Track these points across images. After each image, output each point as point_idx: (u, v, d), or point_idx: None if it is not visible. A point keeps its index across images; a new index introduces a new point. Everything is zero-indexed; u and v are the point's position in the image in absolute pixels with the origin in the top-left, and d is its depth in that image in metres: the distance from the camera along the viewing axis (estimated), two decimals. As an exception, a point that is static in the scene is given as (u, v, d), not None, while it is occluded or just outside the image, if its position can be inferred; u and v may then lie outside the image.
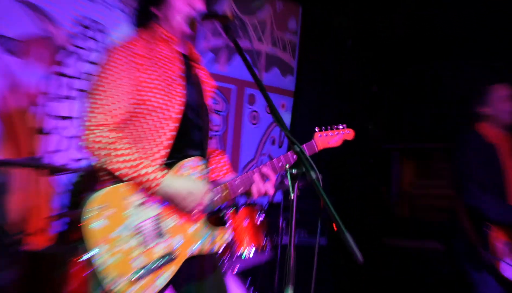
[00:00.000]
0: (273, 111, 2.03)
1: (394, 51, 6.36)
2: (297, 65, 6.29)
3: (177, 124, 2.38)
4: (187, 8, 2.49)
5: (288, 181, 1.84)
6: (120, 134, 2.29)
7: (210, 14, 2.47)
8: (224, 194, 2.47)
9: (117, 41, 2.41)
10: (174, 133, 2.37)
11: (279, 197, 5.19)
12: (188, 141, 2.44)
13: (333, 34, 6.45)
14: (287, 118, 6.14)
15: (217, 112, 5.49)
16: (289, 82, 6.21)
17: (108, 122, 2.28)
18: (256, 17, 5.82)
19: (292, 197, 1.85)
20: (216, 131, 5.48)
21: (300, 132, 5.89)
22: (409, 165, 6.49)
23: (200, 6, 2.51)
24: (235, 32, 2.27)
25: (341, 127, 2.82)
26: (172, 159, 2.38)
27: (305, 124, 6.06)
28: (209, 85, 2.67)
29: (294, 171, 1.86)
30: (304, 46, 6.32)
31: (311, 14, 6.35)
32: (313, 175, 1.81)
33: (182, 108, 2.40)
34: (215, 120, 5.46)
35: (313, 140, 2.72)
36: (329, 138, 2.77)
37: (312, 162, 1.86)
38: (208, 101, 2.64)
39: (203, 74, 2.67)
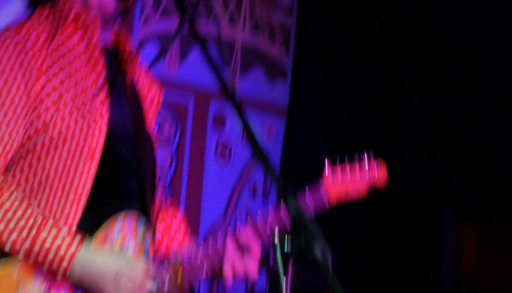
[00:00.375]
0: (252, 140, 2.05)
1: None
2: (292, 63, 6.35)
3: (95, 164, 2.40)
4: None
5: (278, 261, 1.83)
6: (8, 180, 2.33)
7: None
8: (177, 278, 2.47)
9: (3, 26, 2.45)
10: (91, 176, 2.39)
11: (262, 282, 5.16)
12: (117, 190, 2.49)
13: (349, 12, 6.47)
14: (276, 150, 6.17)
15: (163, 141, 5.50)
16: (279, 92, 6.26)
17: None
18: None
19: (284, 289, 1.84)
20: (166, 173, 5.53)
21: (297, 171, 5.96)
22: (472, 229, 6.50)
23: None
24: (194, 9, 2.29)
25: (366, 157, 2.91)
26: (92, 217, 2.40)
27: (306, 159, 6.06)
28: (152, 100, 2.74)
29: (287, 247, 1.84)
30: (304, 33, 6.38)
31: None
32: (318, 250, 1.81)
33: (103, 136, 2.42)
34: (161, 154, 5.49)
35: (320, 182, 2.76)
36: (347, 175, 2.80)
37: (316, 226, 1.86)
38: (151, 124, 2.69)
39: (142, 80, 2.72)
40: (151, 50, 5.40)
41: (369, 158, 2.94)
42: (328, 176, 2.78)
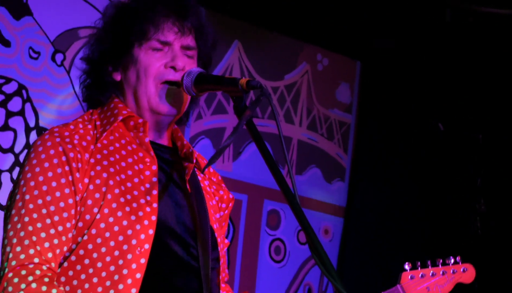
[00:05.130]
0: (311, 240, 2.13)
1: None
2: (351, 164, 6.41)
3: (145, 256, 2.47)
4: (161, 67, 2.63)
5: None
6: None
7: (221, 81, 2.51)
8: None
9: (55, 127, 2.57)
10: (142, 268, 2.46)
11: None
12: (173, 286, 2.54)
13: (414, 110, 6.51)
14: (333, 251, 6.21)
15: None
16: (337, 192, 6.30)
17: (47, 259, 2.39)
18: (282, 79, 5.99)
19: None
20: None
21: (354, 272, 6.01)
22: None
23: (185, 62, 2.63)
24: (252, 109, 2.39)
25: (452, 261, 2.87)
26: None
27: (363, 261, 6.10)
28: (221, 197, 2.86)
29: None
30: (364, 132, 6.45)
31: (376, 76, 6.46)
32: None
33: (153, 229, 2.50)
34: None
35: (398, 286, 2.81)
36: (429, 281, 2.81)
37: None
38: (218, 221, 2.78)
39: (207, 178, 2.83)
40: (202, 146, 5.49)
41: (456, 262, 2.91)
42: (407, 272, 2.79)
